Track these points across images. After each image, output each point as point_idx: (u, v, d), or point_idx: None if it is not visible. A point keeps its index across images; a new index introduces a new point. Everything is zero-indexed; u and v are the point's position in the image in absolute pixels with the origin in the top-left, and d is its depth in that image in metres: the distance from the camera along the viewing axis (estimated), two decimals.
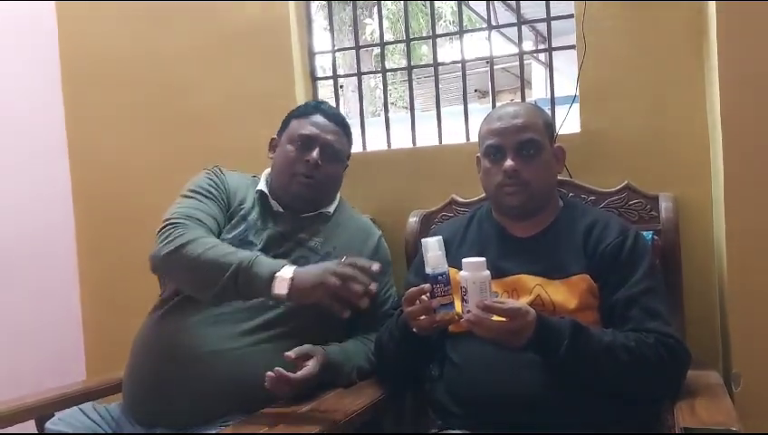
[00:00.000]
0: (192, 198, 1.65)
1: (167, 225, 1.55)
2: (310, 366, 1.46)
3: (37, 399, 1.64)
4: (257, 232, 1.65)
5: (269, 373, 1.40)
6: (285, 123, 1.78)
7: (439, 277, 1.33)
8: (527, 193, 1.52)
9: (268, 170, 1.79)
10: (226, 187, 1.72)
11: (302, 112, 1.77)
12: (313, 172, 1.68)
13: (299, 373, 1.44)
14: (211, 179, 1.72)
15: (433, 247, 1.34)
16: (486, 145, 1.56)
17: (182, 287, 1.57)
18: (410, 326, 1.39)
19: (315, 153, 1.69)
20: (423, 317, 1.35)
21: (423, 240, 1.36)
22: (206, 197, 1.67)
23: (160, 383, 1.52)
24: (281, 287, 1.36)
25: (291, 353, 1.45)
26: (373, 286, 1.35)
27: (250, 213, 1.69)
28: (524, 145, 1.52)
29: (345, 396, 1.49)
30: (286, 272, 1.37)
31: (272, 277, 1.37)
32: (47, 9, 2.48)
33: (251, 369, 1.47)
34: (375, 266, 1.37)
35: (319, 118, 1.74)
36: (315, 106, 1.78)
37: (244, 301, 1.51)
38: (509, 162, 1.51)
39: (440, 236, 1.37)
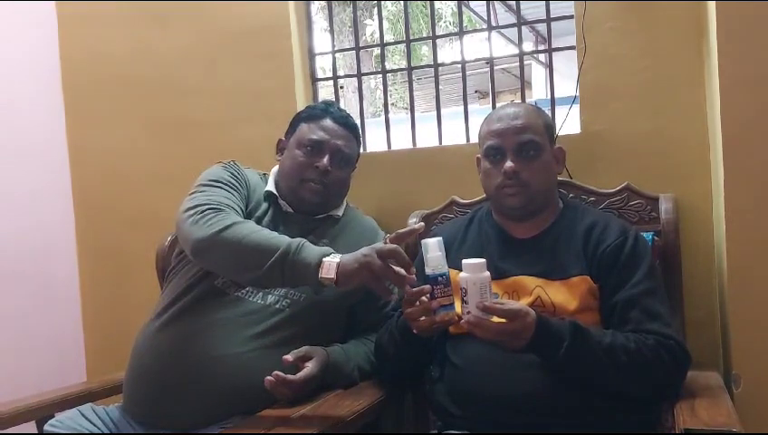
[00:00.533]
0: (218, 187, 1.63)
1: (207, 208, 1.52)
2: (309, 367, 1.46)
3: (37, 400, 1.63)
4: None
5: (267, 378, 1.39)
6: (294, 126, 1.77)
7: (439, 278, 1.32)
8: (527, 194, 1.52)
9: (276, 169, 1.79)
10: (247, 182, 1.72)
11: (312, 116, 1.75)
12: (323, 178, 1.68)
13: (298, 375, 1.44)
14: (231, 172, 1.70)
15: (433, 248, 1.34)
16: (486, 146, 1.56)
17: (224, 271, 1.54)
18: (410, 328, 1.39)
19: (326, 160, 1.68)
20: (423, 318, 1.34)
21: (423, 241, 1.36)
22: (232, 187, 1.66)
23: (163, 386, 1.52)
24: (329, 271, 1.35)
25: (288, 357, 1.45)
26: (413, 270, 1.34)
27: (265, 214, 1.69)
28: (524, 146, 1.52)
29: (346, 397, 1.49)
30: (334, 256, 1.37)
31: (320, 262, 1.36)
32: (47, 11, 2.48)
33: (254, 373, 1.46)
34: (417, 225, 1.38)
35: (328, 122, 1.73)
36: (324, 109, 1.76)
37: (286, 287, 1.52)
38: (509, 163, 1.51)
39: (440, 237, 1.36)
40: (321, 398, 1.47)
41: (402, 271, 1.31)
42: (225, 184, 1.65)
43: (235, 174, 1.71)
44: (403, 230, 1.38)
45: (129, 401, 1.59)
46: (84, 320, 2.54)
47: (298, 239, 1.42)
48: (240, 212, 1.60)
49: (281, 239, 1.43)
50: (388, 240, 1.37)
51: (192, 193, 1.61)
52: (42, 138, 2.45)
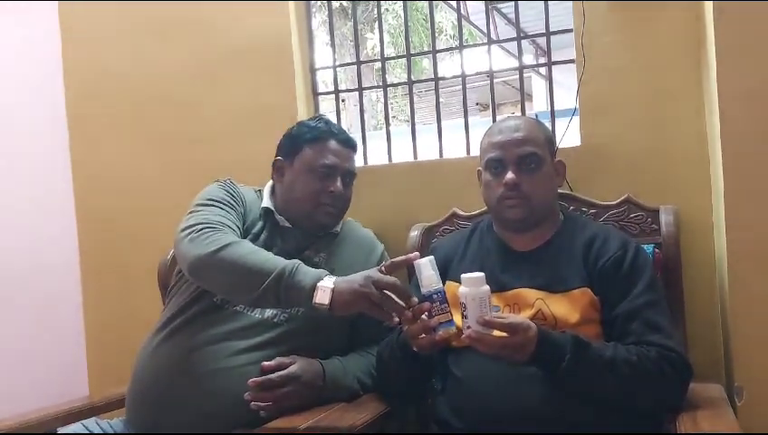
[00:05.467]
0: (215, 206, 1.64)
1: (204, 227, 1.53)
2: (290, 368, 1.47)
3: (40, 415, 1.63)
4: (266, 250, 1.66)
5: (246, 393, 1.41)
6: (295, 147, 1.73)
7: (434, 296, 1.32)
8: (528, 206, 1.52)
9: (270, 185, 1.79)
10: (243, 201, 1.72)
11: (316, 138, 1.72)
12: (336, 201, 1.70)
13: (276, 373, 1.45)
14: (227, 191, 1.71)
15: (426, 268, 1.34)
16: (487, 158, 1.57)
17: (219, 290, 1.55)
18: (411, 345, 1.39)
19: (339, 183, 1.70)
20: (423, 336, 1.35)
21: (415, 262, 1.35)
22: (230, 206, 1.67)
23: (163, 400, 1.52)
24: (323, 297, 1.35)
25: (271, 363, 1.47)
26: (414, 300, 1.34)
27: (262, 231, 1.69)
28: (525, 159, 1.52)
29: (348, 410, 1.49)
30: (327, 282, 1.37)
31: (314, 286, 1.37)
32: (51, 25, 2.50)
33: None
34: (413, 254, 1.39)
35: (335, 145, 1.72)
36: (327, 131, 1.73)
37: (281, 308, 1.52)
38: (510, 175, 1.51)
39: (432, 257, 1.37)
40: (323, 411, 1.47)
41: (399, 303, 1.33)
42: (222, 203, 1.66)
43: (232, 192, 1.71)
44: (398, 259, 1.40)
45: (132, 415, 1.60)
46: (87, 335, 2.54)
47: (294, 261, 1.43)
48: (237, 230, 1.61)
49: (277, 261, 1.43)
50: (384, 269, 1.37)
51: (190, 212, 1.62)
52: (45, 153, 2.46)
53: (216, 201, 1.66)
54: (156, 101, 2.40)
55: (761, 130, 1.58)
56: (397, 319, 1.35)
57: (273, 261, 1.44)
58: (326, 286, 1.36)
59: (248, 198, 1.75)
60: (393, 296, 1.33)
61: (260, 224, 1.71)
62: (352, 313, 1.37)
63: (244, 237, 1.64)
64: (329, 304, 1.35)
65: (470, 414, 1.43)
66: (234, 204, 1.68)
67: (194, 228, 1.54)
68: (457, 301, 1.33)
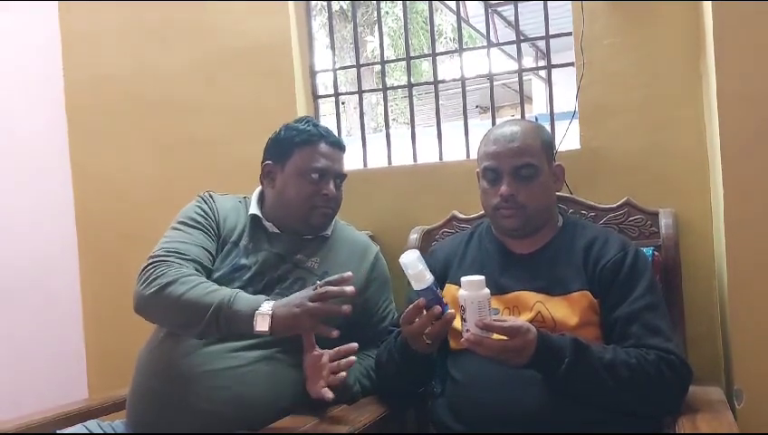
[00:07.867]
0: (179, 229, 1.67)
1: (148, 264, 1.57)
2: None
3: (39, 417, 1.63)
4: (249, 255, 1.66)
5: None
6: (286, 152, 1.72)
7: (429, 289, 1.33)
8: (524, 216, 1.52)
9: (259, 190, 1.79)
10: (216, 214, 1.73)
11: (306, 141, 1.71)
12: (329, 203, 1.70)
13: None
14: (200, 207, 1.72)
15: (413, 266, 1.33)
16: (483, 167, 1.56)
17: (166, 327, 1.59)
18: (409, 346, 1.39)
19: (332, 185, 1.70)
20: (416, 321, 1.36)
21: (401, 262, 1.35)
22: (194, 227, 1.68)
23: (163, 401, 1.52)
24: (262, 324, 1.40)
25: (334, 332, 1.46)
26: (349, 289, 1.40)
27: (242, 237, 1.70)
28: (520, 169, 1.51)
29: (349, 412, 1.49)
30: (266, 308, 1.41)
31: (252, 314, 1.41)
32: (51, 27, 2.51)
33: (251, 387, 1.48)
34: (347, 274, 1.43)
35: (324, 147, 1.71)
36: (317, 134, 1.72)
37: (226, 337, 1.52)
38: (504, 187, 1.50)
39: (416, 250, 1.36)
40: (323, 413, 1.47)
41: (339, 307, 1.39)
42: (189, 224, 1.68)
43: (205, 210, 1.72)
44: (332, 277, 1.43)
45: (132, 415, 1.60)
46: (86, 337, 2.54)
47: (232, 292, 1.47)
48: (200, 250, 1.64)
49: (215, 295, 1.46)
50: (318, 286, 1.42)
51: (164, 235, 1.67)
52: (45, 155, 2.47)
53: (184, 223, 1.69)
54: (156, 103, 2.41)
55: (760, 132, 1.58)
56: (336, 332, 1.40)
57: (212, 295, 1.47)
58: (265, 313, 1.40)
59: (224, 209, 1.75)
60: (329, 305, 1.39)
61: (239, 229, 1.71)
62: (295, 333, 1.42)
63: (223, 247, 1.67)
64: (269, 330, 1.40)
65: (469, 416, 1.43)
66: (201, 223, 1.69)
67: (148, 261, 1.58)
68: (457, 304, 1.33)
